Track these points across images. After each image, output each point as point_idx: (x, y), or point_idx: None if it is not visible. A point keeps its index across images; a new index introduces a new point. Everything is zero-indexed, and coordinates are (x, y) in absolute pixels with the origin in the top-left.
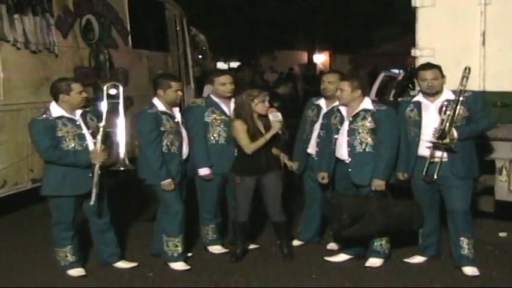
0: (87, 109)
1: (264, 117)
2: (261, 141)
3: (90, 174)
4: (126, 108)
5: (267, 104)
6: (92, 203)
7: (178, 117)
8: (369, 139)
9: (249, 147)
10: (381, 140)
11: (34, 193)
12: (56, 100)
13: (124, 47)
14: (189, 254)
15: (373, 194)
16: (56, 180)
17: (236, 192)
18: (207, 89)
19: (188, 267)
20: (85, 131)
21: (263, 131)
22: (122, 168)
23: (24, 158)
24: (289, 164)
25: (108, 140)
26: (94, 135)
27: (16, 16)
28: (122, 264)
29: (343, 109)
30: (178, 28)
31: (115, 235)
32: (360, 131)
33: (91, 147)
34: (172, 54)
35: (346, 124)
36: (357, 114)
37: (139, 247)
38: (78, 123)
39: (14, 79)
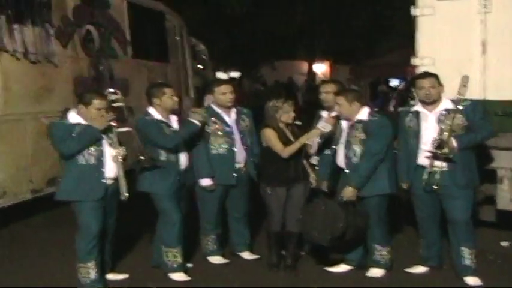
0: None
1: (290, 125)
2: (296, 145)
3: (104, 181)
4: (127, 118)
5: (292, 114)
6: (123, 197)
7: (175, 126)
8: (360, 150)
9: (284, 151)
10: (365, 149)
11: (34, 204)
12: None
13: (124, 57)
14: (189, 265)
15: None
16: (69, 185)
17: (268, 203)
18: (208, 99)
19: (188, 278)
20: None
21: (292, 139)
22: (142, 158)
23: (24, 168)
24: (311, 177)
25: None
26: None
27: (16, 26)
28: (112, 277)
29: (342, 121)
30: (178, 38)
31: (112, 246)
32: (353, 141)
33: (107, 153)
34: (172, 64)
35: (344, 135)
36: (352, 126)
37: (139, 258)
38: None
39: (14, 89)
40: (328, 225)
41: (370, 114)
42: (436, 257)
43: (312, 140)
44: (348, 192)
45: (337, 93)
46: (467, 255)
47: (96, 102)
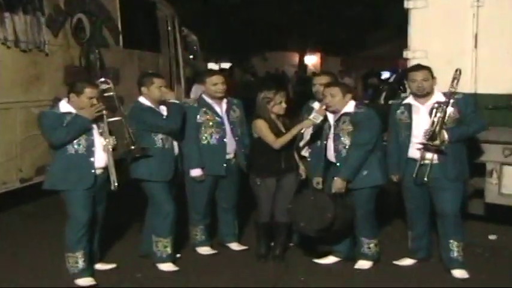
0: None
1: (282, 116)
2: (288, 136)
3: (93, 170)
4: (118, 107)
5: (283, 105)
6: (112, 187)
7: (165, 114)
8: (349, 142)
9: (276, 142)
10: (353, 141)
11: (23, 193)
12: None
13: (115, 47)
14: (178, 255)
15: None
16: (57, 174)
17: (257, 193)
18: (195, 89)
19: (177, 268)
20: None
21: (283, 130)
22: (132, 147)
23: (13, 157)
24: (301, 168)
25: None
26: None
27: (6, 14)
28: (100, 266)
29: (329, 114)
30: (169, 28)
31: (101, 236)
32: (341, 134)
33: (97, 143)
34: (164, 54)
35: (332, 129)
36: (339, 119)
37: (127, 248)
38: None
39: (4, 78)
40: (316, 216)
41: (356, 106)
42: (424, 249)
43: (304, 130)
44: (338, 184)
45: (330, 85)
46: (455, 248)
47: (88, 91)
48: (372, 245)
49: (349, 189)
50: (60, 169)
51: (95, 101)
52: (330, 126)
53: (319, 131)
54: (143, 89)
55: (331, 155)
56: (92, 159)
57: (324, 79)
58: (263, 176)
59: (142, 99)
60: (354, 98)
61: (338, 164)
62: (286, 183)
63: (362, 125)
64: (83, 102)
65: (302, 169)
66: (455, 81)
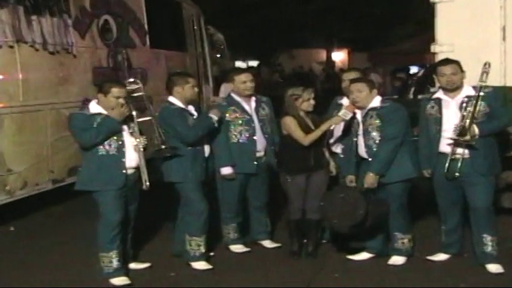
0: None
1: (310, 113)
2: (317, 133)
3: (124, 171)
4: (147, 107)
5: (312, 101)
6: (144, 187)
7: (195, 114)
8: (379, 137)
9: (305, 139)
10: (383, 135)
11: (55, 194)
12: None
13: (142, 47)
14: (211, 254)
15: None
16: (88, 175)
17: (287, 190)
18: (225, 88)
19: (210, 266)
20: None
21: (312, 127)
22: (163, 147)
23: (45, 158)
24: (332, 165)
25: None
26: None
27: (34, 17)
28: (134, 266)
29: (356, 111)
30: (195, 27)
31: (134, 236)
32: (370, 129)
33: (128, 143)
34: (190, 53)
35: (360, 125)
36: (366, 114)
37: (160, 247)
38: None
39: (32, 80)
40: (347, 213)
41: (382, 101)
42: (457, 244)
43: (334, 127)
44: (369, 179)
45: (356, 80)
46: (488, 243)
47: (115, 91)
48: (405, 240)
49: (382, 184)
50: (91, 170)
51: (122, 100)
52: (358, 123)
53: (350, 127)
54: (177, 88)
55: (362, 151)
56: (123, 159)
57: (353, 75)
58: (293, 173)
59: (172, 99)
60: (379, 93)
61: (370, 159)
62: (316, 180)
63: (389, 119)
64: (110, 102)
65: (332, 165)
66: (485, 74)
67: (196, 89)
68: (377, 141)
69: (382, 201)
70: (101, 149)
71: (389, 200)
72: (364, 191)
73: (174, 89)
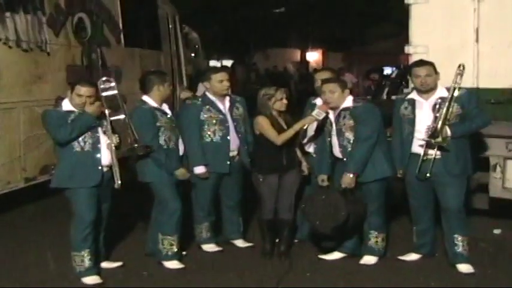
0: None
1: (283, 113)
2: (290, 132)
3: (100, 167)
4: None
5: (285, 101)
6: (116, 186)
7: (169, 113)
8: (353, 137)
9: (278, 138)
10: (356, 135)
11: (27, 192)
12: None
13: (116, 45)
14: (184, 253)
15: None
16: (65, 172)
17: (260, 190)
18: (201, 87)
19: (182, 266)
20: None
21: (285, 127)
22: (136, 145)
23: (17, 157)
24: (304, 165)
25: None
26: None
27: (7, 14)
28: (106, 265)
29: (329, 110)
30: (170, 26)
31: (106, 235)
32: (344, 130)
33: (102, 141)
34: (165, 52)
35: (333, 125)
36: (339, 114)
37: (133, 246)
38: None
39: (6, 78)
40: (329, 214)
41: (354, 100)
42: (429, 244)
43: (307, 127)
44: (346, 179)
45: (328, 81)
46: (460, 243)
47: (79, 90)
48: (379, 239)
49: (359, 184)
50: (67, 167)
51: (84, 99)
52: (331, 123)
53: (323, 127)
54: (157, 87)
55: (336, 151)
56: (98, 155)
57: (325, 75)
58: (265, 173)
59: (147, 98)
60: (353, 93)
61: (345, 159)
62: (288, 180)
63: (362, 119)
64: (75, 100)
65: (305, 165)
66: (459, 76)
67: (171, 88)
68: (351, 141)
69: (360, 200)
70: (76, 146)
71: (368, 199)
72: (342, 191)
73: (153, 88)
